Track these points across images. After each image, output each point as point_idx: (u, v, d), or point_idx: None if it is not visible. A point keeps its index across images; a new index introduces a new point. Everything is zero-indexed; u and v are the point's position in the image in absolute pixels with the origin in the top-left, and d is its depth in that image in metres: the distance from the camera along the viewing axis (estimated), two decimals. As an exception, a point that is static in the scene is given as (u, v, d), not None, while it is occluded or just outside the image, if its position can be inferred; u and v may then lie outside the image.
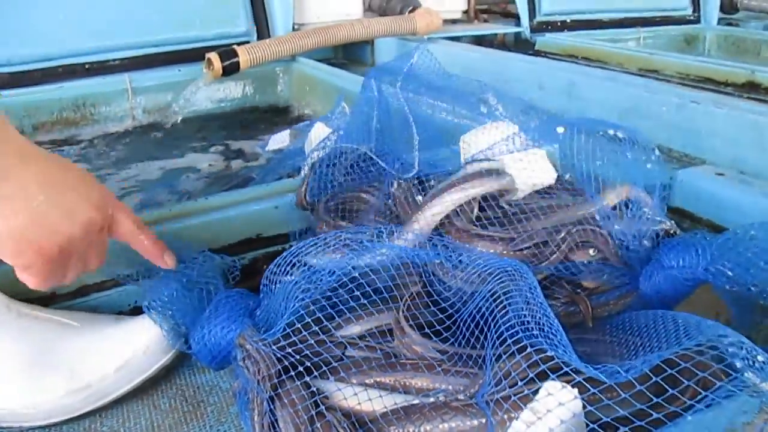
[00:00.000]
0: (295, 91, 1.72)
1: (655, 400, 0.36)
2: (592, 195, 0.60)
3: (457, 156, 0.70)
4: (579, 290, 0.55)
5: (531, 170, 0.62)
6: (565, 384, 0.38)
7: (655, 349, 0.43)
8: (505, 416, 0.38)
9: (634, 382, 0.36)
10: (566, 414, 0.36)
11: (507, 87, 1.43)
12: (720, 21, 2.44)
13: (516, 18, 2.24)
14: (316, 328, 0.50)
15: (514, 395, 0.39)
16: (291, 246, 0.74)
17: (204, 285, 0.57)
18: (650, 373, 0.36)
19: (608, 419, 0.36)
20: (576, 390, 0.37)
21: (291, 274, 0.51)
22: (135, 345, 0.55)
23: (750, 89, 1.36)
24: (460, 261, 0.47)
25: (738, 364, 0.38)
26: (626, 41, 2.14)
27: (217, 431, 0.54)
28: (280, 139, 1.18)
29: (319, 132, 0.95)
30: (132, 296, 0.66)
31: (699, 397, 0.38)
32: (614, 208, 0.60)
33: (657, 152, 0.82)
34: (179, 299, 0.55)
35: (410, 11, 1.93)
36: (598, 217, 0.57)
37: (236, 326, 0.53)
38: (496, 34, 2.17)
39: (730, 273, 0.51)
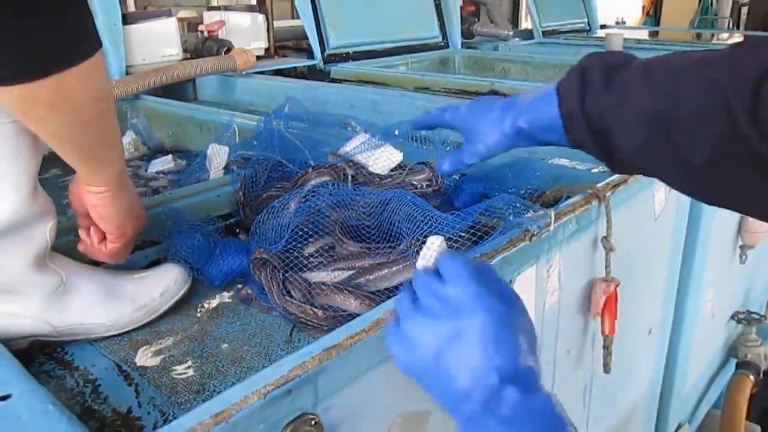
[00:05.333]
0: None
1: (473, 238, 0.80)
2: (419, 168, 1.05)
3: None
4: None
5: (385, 158, 1.05)
6: (438, 237, 0.80)
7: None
8: (416, 258, 0.79)
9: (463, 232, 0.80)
10: (439, 247, 0.78)
11: (324, 108, 1.86)
12: (463, 45, 3.12)
13: (308, 52, 2.68)
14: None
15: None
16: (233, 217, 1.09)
17: (210, 237, 0.90)
18: (471, 226, 0.80)
19: (456, 246, 0.79)
20: (442, 238, 0.80)
21: (276, 218, 0.87)
22: (169, 277, 0.85)
23: (494, 95, 1.94)
24: (370, 198, 0.87)
25: (509, 216, 0.83)
26: (398, 66, 2.69)
27: (242, 325, 0.86)
28: (164, 162, 1.48)
29: (215, 151, 1.30)
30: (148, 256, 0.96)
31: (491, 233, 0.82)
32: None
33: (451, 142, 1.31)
34: (200, 246, 0.87)
35: (226, 51, 2.28)
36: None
37: (242, 256, 0.87)
38: (296, 67, 2.58)
39: (496, 186, 0.99)
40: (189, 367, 0.75)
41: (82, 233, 0.82)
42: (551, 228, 0.81)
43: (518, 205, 0.82)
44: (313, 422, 0.57)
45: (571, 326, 1.00)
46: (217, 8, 2.63)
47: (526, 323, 0.59)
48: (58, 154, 0.71)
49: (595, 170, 1.13)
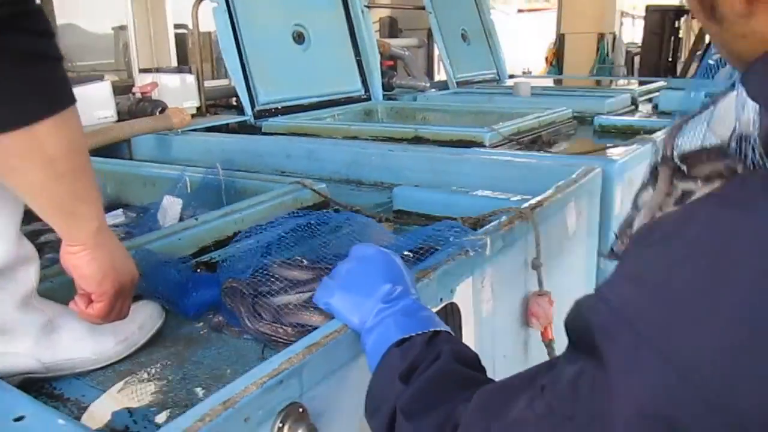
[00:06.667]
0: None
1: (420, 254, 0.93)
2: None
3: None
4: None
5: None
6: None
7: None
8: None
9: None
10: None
11: (262, 159, 1.98)
12: (384, 97, 3.31)
13: (236, 109, 2.79)
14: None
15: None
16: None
17: (182, 272, 0.99)
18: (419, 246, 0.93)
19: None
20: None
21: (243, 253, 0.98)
22: (145, 312, 0.92)
23: (418, 140, 2.11)
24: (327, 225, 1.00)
25: (450, 237, 0.96)
26: (325, 118, 2.83)
27: (217, 349, 0.94)
28: (115, 216, 1.55)
29: (169, 203, 1.38)
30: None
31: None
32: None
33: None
34: (174, 281, 0.96)
35: (161, 111, 2.37)
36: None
37: (213, 288, 0.97)
38: (227, 123, 2.68)
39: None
40: (175, 388, 0.83)
41: (71, 303, 0.81)
42: (488, 247, 0.95)
43: (458, 229, 0.96)
44: (300, 410, 0.67)
45: (506, 333, 1.13)
46: (149, 70, 2.73)
47: (401, 265, 0.79)
48: (35, 210, 0.74)
49: (514, 198, 1.29)
